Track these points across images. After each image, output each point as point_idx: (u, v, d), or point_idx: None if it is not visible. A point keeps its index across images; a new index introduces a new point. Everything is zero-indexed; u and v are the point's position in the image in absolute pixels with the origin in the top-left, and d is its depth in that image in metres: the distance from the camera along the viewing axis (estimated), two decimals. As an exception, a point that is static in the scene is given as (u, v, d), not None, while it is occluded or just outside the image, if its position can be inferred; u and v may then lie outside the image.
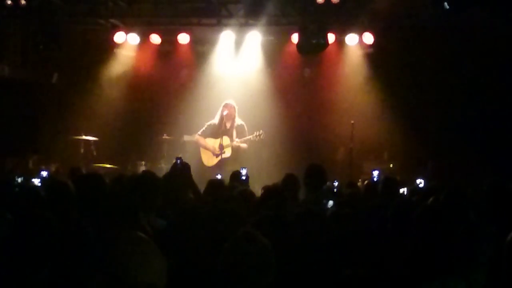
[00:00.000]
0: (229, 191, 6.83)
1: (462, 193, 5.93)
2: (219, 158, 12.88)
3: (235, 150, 12.84)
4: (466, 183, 7.82)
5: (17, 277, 3.26)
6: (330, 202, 6.45)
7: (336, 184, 8.75)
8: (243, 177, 8.64)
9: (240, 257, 3.25)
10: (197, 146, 13.14)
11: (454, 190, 5.94)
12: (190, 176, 7.42)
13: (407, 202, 6.54)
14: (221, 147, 12.79)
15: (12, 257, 3.31)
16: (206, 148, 13.00)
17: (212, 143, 12.92)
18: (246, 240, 3.30)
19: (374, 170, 10.19)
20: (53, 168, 12.76)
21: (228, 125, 12.90)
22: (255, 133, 12.75)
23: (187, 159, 9.20)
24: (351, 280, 4.10)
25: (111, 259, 2.52)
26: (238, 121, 12.97)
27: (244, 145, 12.85)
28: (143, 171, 8.21)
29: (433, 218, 4.66)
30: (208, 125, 13.01)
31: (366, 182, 10.40)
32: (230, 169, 11.32)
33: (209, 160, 12.98)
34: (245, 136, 12.83)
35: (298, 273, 4.00)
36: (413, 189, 8.38)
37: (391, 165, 13.03)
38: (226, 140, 12.82)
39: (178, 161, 7.46)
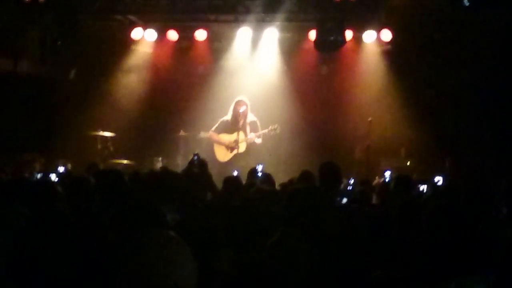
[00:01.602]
0: (247, 188, 6.80)
1: (482, 192, 5.87)
2: (234, 153, 12.91)
3: (250, 145, 12.88)
4: (485, 180, 7.78)
5: (35, 273, 3.26)
6: (344, 200, 6.42)
7: (351, 181, 8.70)
8: (259, 174, 8.59)
9: (285, 254, 3.32)
10: (210, 142, 13.15)
11: (475, 189, 5.89)
12: (208, 173, 7.40)
13: (418, 200, 6.49)
14: (235, 141, 12.81)
15: (29, 253, 3.32)
16: (220, 144, 13.03)
17: (227, 138, 12.94)
18: (292, 238, 3.37)
19: (386, 170, 10.15)
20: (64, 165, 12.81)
21: (241, 121, 12.91)
22: (270, 127, 12.77)
23: (209, 156, 9.20)
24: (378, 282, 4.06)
25: (139, 258, 2.50)
26: (251, 117, 13.01)
27: (258, 140, 12.89)
28: (161, 167, 8.21)
29: (452, 217, 4.62)
30: (221, 122, 13.05)
31: (380, 182, 10.36)
32: (243, 164, 11.36)
33: (223, 155, 13.02)
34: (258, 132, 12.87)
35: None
36: (431, 187, 8.30)
37: (408, 163, 12.96)
38: (240, 135, 12.85)
39: (196, 157, 7.44)
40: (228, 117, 12.99)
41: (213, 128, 13.08)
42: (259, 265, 3.37)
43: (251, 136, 12.84)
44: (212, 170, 8.84)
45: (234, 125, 12.90)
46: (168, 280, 2.47)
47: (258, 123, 12.95)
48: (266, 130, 12.82)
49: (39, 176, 8.60)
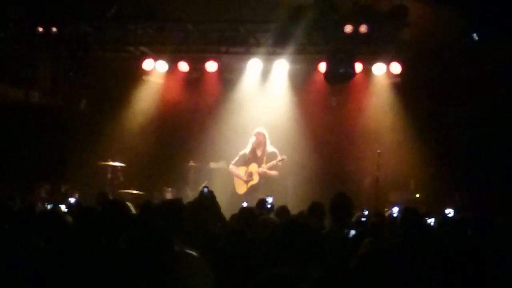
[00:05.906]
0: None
1: (491, 225, 5.85)
2: (248, 185, 12.98)
3: (263, 176, 12.94)
4: (495, 213, 7.74)
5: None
6: (352, 232, 6.35)
7: (366, 213, 8.63)
8: (269, 205, 8.61)
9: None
10: (227, 173, 13.31)
11: (483, 222, 5.87)
12: (217, 204, 7.41)
13: (431, 234, 6.43)
14: (249, 174, 12.91)
15: (47, 286, 3.33)
16: (237, 176, 13.14)
17: (242, 171, 13.04)
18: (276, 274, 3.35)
19: (394, 206, 10.00)
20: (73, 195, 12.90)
21: (259, 152, 13.04)
22: (278, 157, 12.86)
23: (218, 187, 9.20)
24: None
25: (162, 277, 2.52)
26: (270, 148, 13.11)
27: (273, 172, 12.94)
28: (172, 198, 8.21)
29: (463, 250, 4.60)
30: (241, 155, 13.15)
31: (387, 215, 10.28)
32: (259, 196, 11.36)
33: (240, 187, 13.19)
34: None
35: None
36: (442, 219, 8.25)
37: (417, 195, 12.94)
38: (253, 167, 12.97)
39: (205, 189, 7.45)
40: (247, 149, 13.10)
41: (233, 162, 13.22)
42: None
43: (262, 167, 12.91)
44: (231, 202, 8.82)
45: (250, 157, 13.06)
46: None
47: (278, 154, 13.00)
48: (274, 162, 12.88)
49: (49, 207, 8.60)
